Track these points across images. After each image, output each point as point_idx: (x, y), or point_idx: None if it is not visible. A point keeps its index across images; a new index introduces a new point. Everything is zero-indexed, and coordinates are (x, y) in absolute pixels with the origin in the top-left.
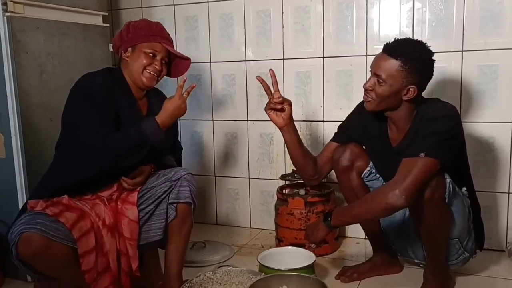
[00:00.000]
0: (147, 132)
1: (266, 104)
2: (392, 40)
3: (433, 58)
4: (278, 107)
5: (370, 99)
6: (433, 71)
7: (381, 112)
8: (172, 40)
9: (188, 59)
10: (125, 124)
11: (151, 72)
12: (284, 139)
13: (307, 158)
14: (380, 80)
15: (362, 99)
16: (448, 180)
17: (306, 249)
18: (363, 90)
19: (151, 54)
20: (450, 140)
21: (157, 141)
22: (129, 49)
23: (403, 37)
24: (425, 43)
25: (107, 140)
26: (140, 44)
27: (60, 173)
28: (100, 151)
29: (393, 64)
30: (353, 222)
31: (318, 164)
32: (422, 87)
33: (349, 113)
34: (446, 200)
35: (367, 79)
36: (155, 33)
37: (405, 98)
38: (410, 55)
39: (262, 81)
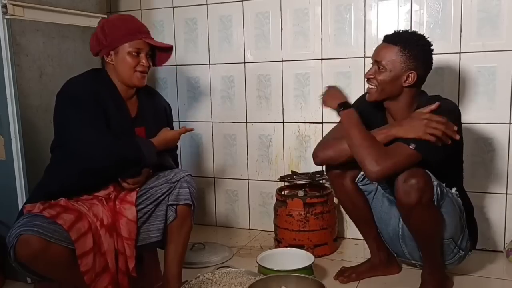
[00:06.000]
0: (144, 152)
1: None
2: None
3: (432, 48)
4: None
5: (373, 87)
6: (432, 60)
7: (381, 103)
8: (149, 31)
9: (170, 46)
10: (113, 126)
11: (141, 72)
12: None
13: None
14: (381, 67)
15: None
16: (435, 183)
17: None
18: (366, 80)
19: (135, 53)
20: None
21: (150, 163)
22: (111, 52)
23: None
24: (424, 35)
25: (101, 143)
26: (122, 46)
27: (57, 175)
28: (93, 152)
29: (392, 49)
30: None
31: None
32: (421, 74)
33: None
34: (435, 203)
35: (368, 69)
36: (134, 30)
37: (405, 84)
38: (409, 41)
39: None
